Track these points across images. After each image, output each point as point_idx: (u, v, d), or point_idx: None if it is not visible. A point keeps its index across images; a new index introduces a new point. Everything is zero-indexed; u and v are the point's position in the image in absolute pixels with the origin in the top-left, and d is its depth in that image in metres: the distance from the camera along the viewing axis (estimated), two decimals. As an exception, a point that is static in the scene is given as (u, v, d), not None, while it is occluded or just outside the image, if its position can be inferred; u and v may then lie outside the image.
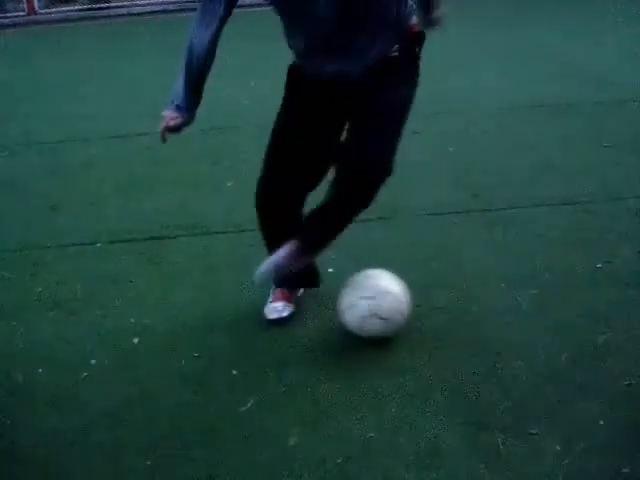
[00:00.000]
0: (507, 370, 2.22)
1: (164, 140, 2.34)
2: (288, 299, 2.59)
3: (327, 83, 2.26)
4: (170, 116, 2.33)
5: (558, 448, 1.89)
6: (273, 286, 2.61)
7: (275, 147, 2.38)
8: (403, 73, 2.28)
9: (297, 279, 2.58)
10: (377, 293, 2.34)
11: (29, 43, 8.80)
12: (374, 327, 2.31)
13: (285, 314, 2.55)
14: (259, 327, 2.53)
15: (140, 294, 2.79)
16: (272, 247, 2.44)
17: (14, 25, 9.98)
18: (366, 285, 2.37)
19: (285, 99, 2.38)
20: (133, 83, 6.30)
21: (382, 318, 2.29)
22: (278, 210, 2.44)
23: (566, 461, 1.85)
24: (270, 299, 2.60)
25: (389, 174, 2.25)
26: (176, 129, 2.34)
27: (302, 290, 2.69)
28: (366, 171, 2.22)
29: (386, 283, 2.38)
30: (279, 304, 2.57)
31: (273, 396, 2.17)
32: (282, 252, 2.31)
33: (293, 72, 2.37)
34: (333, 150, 2.35)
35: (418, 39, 2.31)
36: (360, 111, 2.27)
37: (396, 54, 2.24)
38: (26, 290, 2.87)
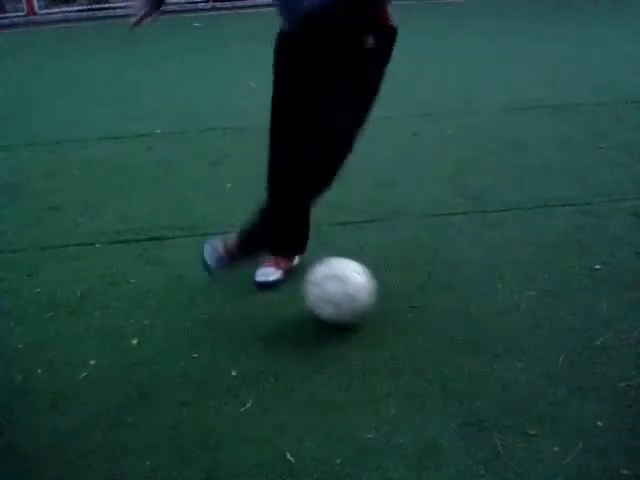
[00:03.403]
0: (506, 371, 2.23)
1: (134, 27, 2.52)
2: (278, 265, 2.78)
3: (303, 34, 2.43)
4: (138, 5, 2.50)
5: (557, 449, 1.90)
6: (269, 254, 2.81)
7: (274, 115, 2.59)
8: (375, 59, 2.43)
9: (287, 245, 2.81)
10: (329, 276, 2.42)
11: (28, 44, 8.79)
12: (334, 286, 2.38)
13: (271, 278, 2.75)
14: (258, 328, 2.53)
15: (139, 295, 2.79)
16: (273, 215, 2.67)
17: (13, 25, 9.98)
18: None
19: (274, 65, 2.56)
20: (132, 84, 6.31)
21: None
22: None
23: (565, 462, 1.86)
24: (264, 263, 2.79)
25: (349, 149, 2.47)
26: (145, 18, 2.51)
27: (297, 260, 2.84)
28: (329, 144, 2.45)
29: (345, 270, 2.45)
30: (269, 269, 2.77)
31: (272, 397, 2.17)
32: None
33: (279, 37, 2.54)
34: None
35: (391, 33, 2.45)
36: (330, 77, 2.44)
37: (371, 46, 2.38)
38: (25, 291, 2.87)
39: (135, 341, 2.49)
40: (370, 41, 2.39)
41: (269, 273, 2.78)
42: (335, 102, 2.45)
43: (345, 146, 2.47)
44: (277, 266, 2.79)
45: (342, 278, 2.39)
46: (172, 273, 2.95)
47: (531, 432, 1.96)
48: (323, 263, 2.46)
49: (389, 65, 2.49)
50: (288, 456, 1.93)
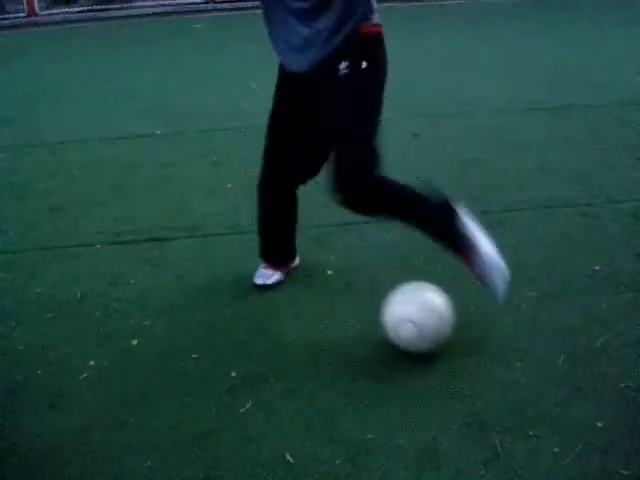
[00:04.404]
0: (506, 372, 2.23)
1: None
2: (276, 267, 2.78)
3: (293, 74, 2.41)
4: None
5: (556, 450, 1.90)
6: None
7: (267, 134, 2.59)
8: (351, 91, 2.32)
9: (277, 254, 2.80)
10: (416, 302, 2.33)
11: (29, 44, 8.80)
12: (408, 332, 2.26)
13: (270, 282, 2.75)
14: (258, 329, 2.53)
15: (139, 295, 2.79)
16: (263, 231, 2.72)
17: (14, 26, 9.99)
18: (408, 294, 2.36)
19: (275, 91, 2.57)
20: (133, 84, 6.31)
21: (413, 322, 2.26)
22: (274, 191, 2.65)
23: (565, 462, 1.86)
24: (262, 265, 2.79)
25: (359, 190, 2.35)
26: None
27: (297, 261, 2.86)
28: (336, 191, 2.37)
29: (428, 294, 2.36)
30: (268, 271, 2.77)
31: (272, 397, 2.17)
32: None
33: (280, 67, 2.54)
34: (310, 139, 2.50)
35: (368, 46, 2.33)
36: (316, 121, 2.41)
37: (346, 71, 2.29)
38: (25, 291, 2.87)
39: (135, 342, 2.49)
40: (343, 67, 2.29)
41: (268, 276, 2.77)
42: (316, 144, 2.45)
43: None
44: (276, 268, 2.80)
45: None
46: (172, 274, 2.95)
47: (531, 433, 1.96)
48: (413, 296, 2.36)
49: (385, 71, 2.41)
50: (288, 456, 1.93)
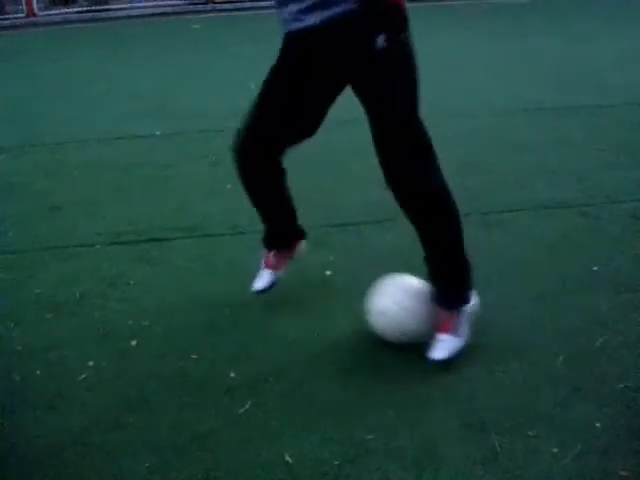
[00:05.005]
0: (505, 372, 2.23)
1: None
2: (275, 267, 2.68)
3: (294, 39, 2.22)
4: None
5: (555, 450, 1.90)
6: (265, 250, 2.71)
7: (256, 99, 2.38)
8: (389, 68, 2.15)
9: (281, 238, 2.68)
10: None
11: (28, 45, 8.80)
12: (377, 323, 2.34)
13: (269, 286, 2.67)
14: (258, 329, 2.53)
15: (138, 296, 2.79)
16: (259, 209, 2.58)
17: (13, 27, 10.00)
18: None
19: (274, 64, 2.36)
20: (132, 85, 6.32)
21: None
22: (250, 158, 2.46)
23: (564, 463, 1.86)
24: (262, 263, 2.70)
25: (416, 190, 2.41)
26: None
27: (303, 244, 2.74)
28: (395, 193, 2.39)
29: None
30: (266, 273, 2.68)
31: (271, 398, 2.17)
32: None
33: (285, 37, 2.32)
34: (304, 108, 2.33)
35: (400, 18, 2.11)
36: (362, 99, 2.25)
37: (384, 44, 2.06)
38: (24, 291, 2.87)
39: (134, 342, 2.49)
40: (381, 42, 2.06)
41: (267, 280, 2.69)
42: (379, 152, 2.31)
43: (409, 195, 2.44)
44: (274, 268, 2.73)
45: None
46: (172, 274, 2.95)
47: (530, 433, 1.96)
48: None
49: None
50: (287, 457, 1.93)
